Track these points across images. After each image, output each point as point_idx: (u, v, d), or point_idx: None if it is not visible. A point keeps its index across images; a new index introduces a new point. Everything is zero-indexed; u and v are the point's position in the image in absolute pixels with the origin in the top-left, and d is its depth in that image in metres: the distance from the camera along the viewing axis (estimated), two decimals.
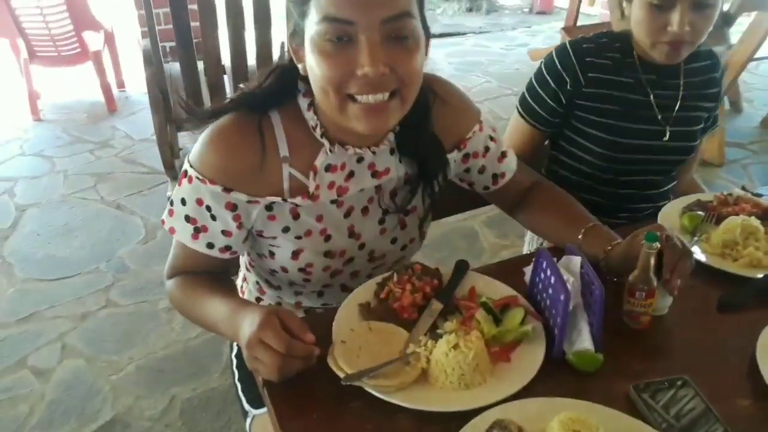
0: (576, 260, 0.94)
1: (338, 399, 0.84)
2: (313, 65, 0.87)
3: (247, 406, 1.21)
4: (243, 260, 1.25)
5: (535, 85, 1.41)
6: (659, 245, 0.92)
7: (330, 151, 0.98)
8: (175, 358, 2.11)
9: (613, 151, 1.37)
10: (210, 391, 1.98)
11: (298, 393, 0.85)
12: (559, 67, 1.36)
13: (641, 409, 0.81)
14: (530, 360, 0.88)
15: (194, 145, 0.99)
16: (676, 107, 1.37)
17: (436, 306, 0.97)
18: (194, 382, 2.01)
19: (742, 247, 1.11)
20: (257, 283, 1.23)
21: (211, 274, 1.07)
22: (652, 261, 0.92)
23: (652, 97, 1.35)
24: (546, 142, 1.51)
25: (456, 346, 0.84)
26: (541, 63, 1.41)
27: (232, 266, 1.18)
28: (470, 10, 7.94)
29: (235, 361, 1.28)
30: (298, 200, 0.99)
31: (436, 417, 0.80)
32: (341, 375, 0.84)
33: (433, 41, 1.00)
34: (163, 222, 1.03)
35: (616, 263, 1.02)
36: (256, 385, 1.12)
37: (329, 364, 0.86)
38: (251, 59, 2.50)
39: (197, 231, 1.00)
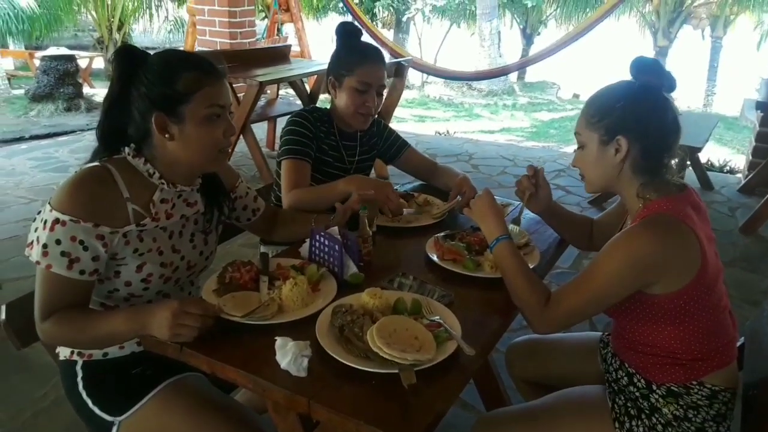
0: (335, 229, 1.63)
1: (236, 337, 1.31)
2: (200, 133, 1.39)
3: (107, 417, 1.42)
4: None
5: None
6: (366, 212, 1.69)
7: (163, 189, 1.46)
8: None
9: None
10: None
11: (213, 348, 1.30)
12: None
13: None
14: (330, 285, 1.53)
15: (55, 197, 1.32)
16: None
17: (264, 278, 1.52)
18: None
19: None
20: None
21: (83, 307, 1.38)
22: (365, 220, 1.69)
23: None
24: None
25: (294, 285, 1.43)
26: None
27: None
28: (69, 109, 7.93)
29: (81, 383, 1.48)
30: (146, 221, 1.42)
31: (298, 323, 1.37)
32: (238, 318, 1.33)
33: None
34: (38, 263, 1.31)
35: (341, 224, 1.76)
36: (112, 393, 1.47)
37: (224, 317, 1.33)
38: None
39: (72, 262, 1.31)
